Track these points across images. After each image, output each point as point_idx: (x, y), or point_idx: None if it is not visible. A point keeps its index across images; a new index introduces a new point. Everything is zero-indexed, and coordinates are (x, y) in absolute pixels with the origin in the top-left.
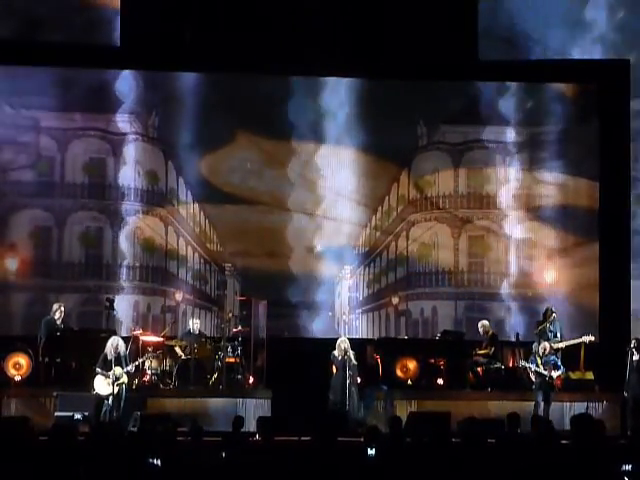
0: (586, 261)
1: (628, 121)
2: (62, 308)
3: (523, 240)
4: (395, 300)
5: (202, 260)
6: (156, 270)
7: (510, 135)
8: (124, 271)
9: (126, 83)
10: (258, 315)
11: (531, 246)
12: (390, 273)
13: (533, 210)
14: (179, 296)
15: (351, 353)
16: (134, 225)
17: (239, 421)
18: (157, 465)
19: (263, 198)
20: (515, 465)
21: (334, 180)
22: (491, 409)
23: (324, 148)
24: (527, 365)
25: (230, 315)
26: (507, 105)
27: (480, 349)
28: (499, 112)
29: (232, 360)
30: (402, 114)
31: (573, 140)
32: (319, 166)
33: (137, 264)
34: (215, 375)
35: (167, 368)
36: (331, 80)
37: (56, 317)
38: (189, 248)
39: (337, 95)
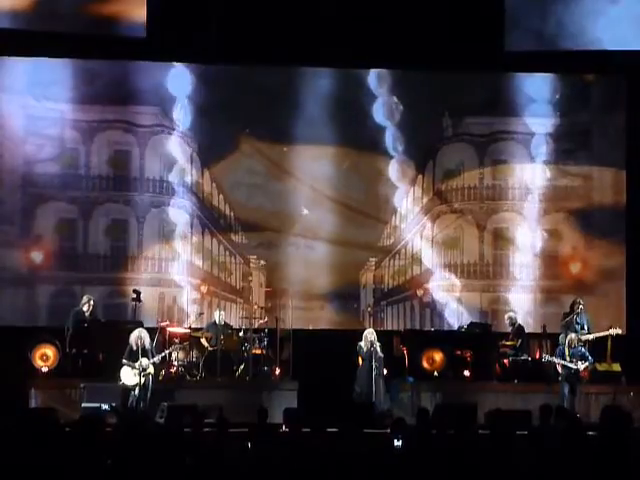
0: (613, 253)
1: None
2: (91, 301)
3: (549, 232)
4: (420, 292)
5: (227, 252)
6: (182, 262)
7: (536, 126)
8: (149, 263)
9: (150, 75)
10: (284, 307)
11: (557, 238)
12: (415, 265)
13: (559, 202)
14: (204, 288)
15: (377, 345)
16: (159, 217)
17: (263, 412)
18: (184, 456)
19: (290, 188)
20: (542, 457)
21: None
22: (518, 401)
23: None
24: (551, 359)
25: (256, 307)
26: (533, 96)
27: (507, 341)
28: (525, 103)
29: (258, 352)
30: (427, 106)
31: (600, 131)
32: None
33: (162, 256)
34: (242, 366)
35: (194, 359)
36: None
37: (84, 309)
38: (214, 240)
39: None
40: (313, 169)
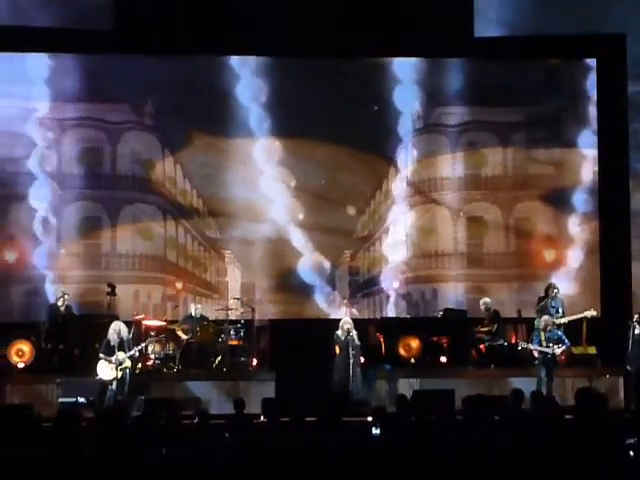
0: (587, 237)
1: (626, 95)
2: (65, 295)
3: (522, 220)
4: (395, 284)
5: (202, 247)
6: (155, 258)
7: (507, 115)
8: (123, 260)
9: (121, 69)
10: (260, 298)
11: (531, 224)
12: (390, 257)
13: (532, 189)
14: (179, 285)
15: (354, 333)
16: (132, 214)
17: (241, 403)
18: (162, 449)
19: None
20: (519, 441)
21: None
22: (495, 386)
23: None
24: (526, 346)
25: (232, 300)
26: (503, 84)
27: (482, 326)
28: (496, 92)
29: (235, 343)
30: (398, 96)
31: (570, 116)
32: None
33: (136, 253)
34: (218, 358)
35: (170, 352)
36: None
37: (59, 304)
38: (188, 235)
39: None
40: (286, 162)
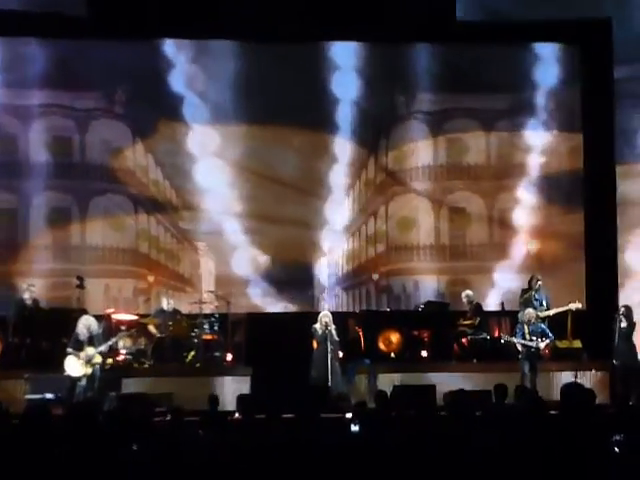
0: (571, 228)
1: (612, 80)
2: (32, 288)
3: (506, 210)
4: (375, 276)
5: (174, 239)
6: (127, 251)
7: (491, 101)
8: (93, 253)
9: (91, 56)
10: (235, 292)
11: (514, 214)
12: (370, 249)
13: (516, 178)
14: (151, 278)
15: (332, 327)
16: (103, 205)
17: (215, 400)
18: (134, 446)
19: (257, 168)
20: (503, 437)
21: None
22: (477, 381)
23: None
24: (510, 340)
25: (206, 292)
26: (488, 70)
27: (465, 319)
28: (479, 78)
29: (209, 337)
30: (377, 83)
31: (556, 101)
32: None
33: (107, 245)
34: (192, 353)
35: (142, 347)
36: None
37: (26, 297)
38: (160, 227)
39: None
40: (254, 149)
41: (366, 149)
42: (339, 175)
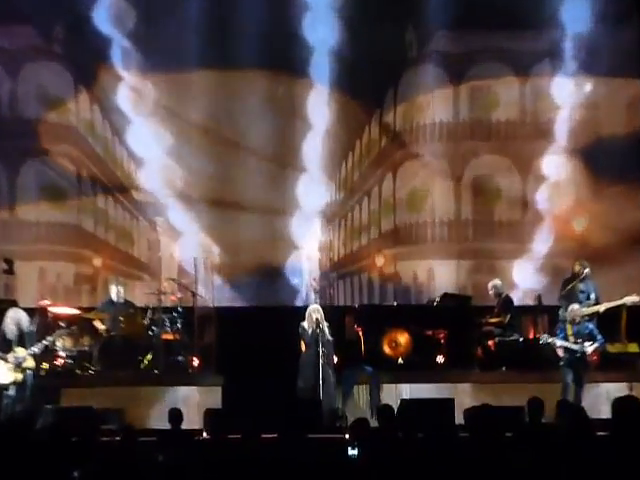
0: (627, 204)
1: None
2: None
3: (544, 179)
4: (380, 261)
5: (128, 214)
6: (67, 229)
7: (528, 43)
8: (25, 230)
9: None
10: (204, 280)
11: (556, 186)
12: (373, 227)
13: (558, 141)
14: (98, 261)
15: (325, 325)
16: (36, 169)
17: (176, 415)
18: (75, 473)
19: (212, 129)
20: (539, 465)
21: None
22: (507, 394)
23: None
24: (551, 340)
25: (167, 281)
26: (522, 3)
27: (491, 317)
28: (513, 11)
29: (171, 337)
30: (385, 17)
31: (606, 46)
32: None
33: (42, 221)
34: (149, 356)
35: (86, 348)
36: None
37: None
38: (110, 200)
39: None
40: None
41: (367, 103)
42: (324, 140)
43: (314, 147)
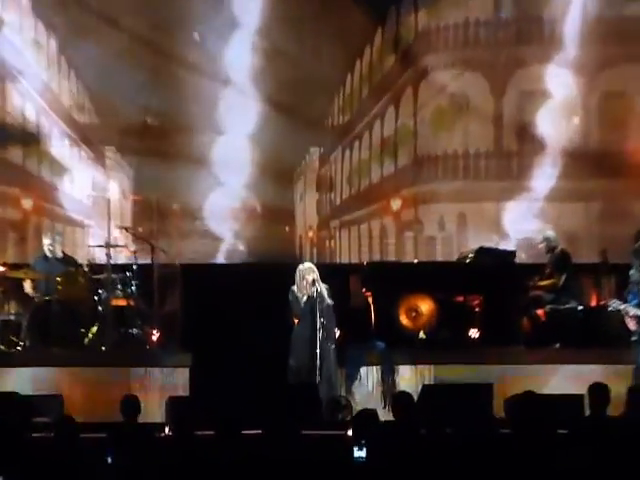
0: None
1: None
2: None
3: (607, 94)
4: (396, 204)
5: (68, 140)
6: None
7: None
8: None
9: None
10: (166, 229)
11: (622, 106)
12: (387, 159)
13: (626, 44)
14: (28, 203)
15: (323, 289)
16: None
17: (131, 404)
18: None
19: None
20: (602, 468)
21: None
22: (561, 379)
23: None
24: (622, 308)
25: (119, 229)
26: None
27: (541, 278)
28: None
29: (123, 303)
30: None
31: None
32: None
33: None
34: (94, 328)
35: (12, 318)
36: None
37: None
38: (44, 119)
39: None
40: None
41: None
42: (331, 43)
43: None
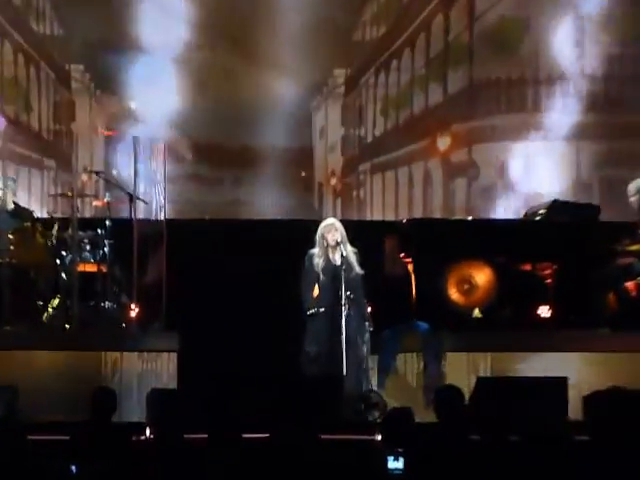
0: None
1: None
2: None
3: None
4: (444, 143)
5: (23, 56)
6: None
7: None
8: None
9: None
10: (148, 172)
11: None
12: (432, 85)
13: None
14: None
15: (350, 252)
16: None
17: (103, 399)
18: None
19: None
20: None
21: None
22: None
23: None
24: None
25: (87, 174)
26: None
27: (632, 241)
28: None
29: (92, 268)
30: None
31: None
32: None
33: None
34: (55, 301)
35: None
36: None
37: None
38: None
39: None
40: None
41: None
42: None
43: None
